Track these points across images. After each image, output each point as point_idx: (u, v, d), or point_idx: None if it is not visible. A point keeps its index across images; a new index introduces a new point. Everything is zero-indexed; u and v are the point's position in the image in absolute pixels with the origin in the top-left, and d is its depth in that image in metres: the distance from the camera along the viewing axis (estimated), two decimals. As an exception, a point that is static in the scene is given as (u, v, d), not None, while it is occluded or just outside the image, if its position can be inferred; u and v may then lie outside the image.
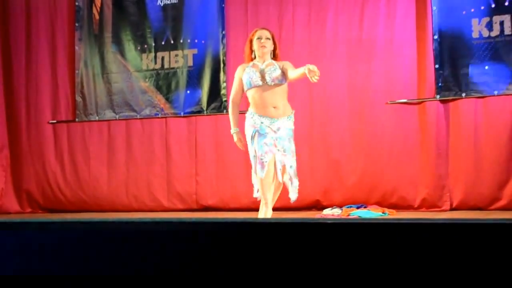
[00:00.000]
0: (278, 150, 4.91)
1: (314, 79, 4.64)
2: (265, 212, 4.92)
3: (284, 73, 5.00)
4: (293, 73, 4.94)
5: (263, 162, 4.86)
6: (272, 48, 5.11)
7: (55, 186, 7.36)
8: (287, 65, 5.06)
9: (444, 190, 6.03)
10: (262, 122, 4.93)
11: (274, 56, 5.13)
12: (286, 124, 4.97)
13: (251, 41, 5.14)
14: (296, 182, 5.02)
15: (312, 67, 4.64)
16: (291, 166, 4.97)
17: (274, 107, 4.96)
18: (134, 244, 1.65)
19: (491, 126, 5.90)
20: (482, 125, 5.95)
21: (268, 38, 5.09)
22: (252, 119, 4.98)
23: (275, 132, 4.92)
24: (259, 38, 5.07)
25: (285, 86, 5.05)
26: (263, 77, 4.99)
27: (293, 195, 5.03)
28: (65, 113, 7.44)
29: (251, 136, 4.94)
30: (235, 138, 5.06)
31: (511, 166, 5.80)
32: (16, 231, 1.79)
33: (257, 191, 5.03)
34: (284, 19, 6.64)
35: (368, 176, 6.27)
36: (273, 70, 5.00)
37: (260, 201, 4.98)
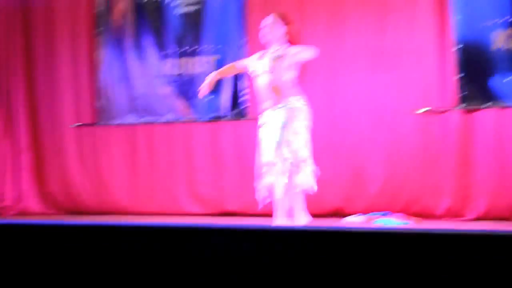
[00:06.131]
0: None
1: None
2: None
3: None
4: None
5: None
6: (278, 32, 4.71)
7: (77, 188, 7.38)
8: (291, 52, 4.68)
9: (467, 200, 5.97)
10: None
11: (290, 39, 4.74)
12: None
13: None
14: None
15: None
16: None
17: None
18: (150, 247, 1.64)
19: (515, 136, 5.86)
20: (505, 135, 5.90)
21: (268, 24, 4.70)
22: None
23: None
24: (261, 29, 4.75)
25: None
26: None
27: None
28: (87, 117, 7.47)
29: None
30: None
31: (536, 177, 5.74)
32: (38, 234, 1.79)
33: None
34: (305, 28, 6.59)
35: (391, 185, 6.22)
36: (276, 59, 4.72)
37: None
